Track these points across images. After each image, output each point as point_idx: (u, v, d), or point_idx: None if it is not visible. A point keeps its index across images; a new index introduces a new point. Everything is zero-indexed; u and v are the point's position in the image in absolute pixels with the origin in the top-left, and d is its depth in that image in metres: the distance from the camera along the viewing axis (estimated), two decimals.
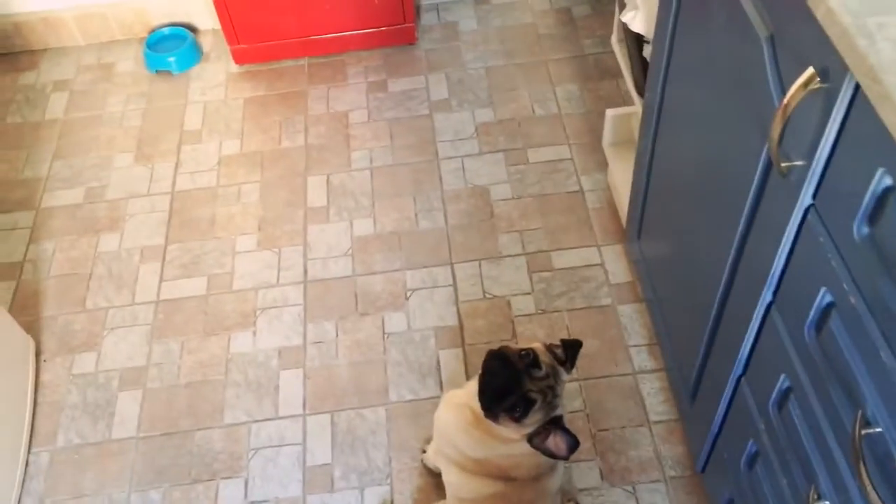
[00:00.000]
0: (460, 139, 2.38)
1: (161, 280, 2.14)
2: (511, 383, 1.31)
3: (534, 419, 1.32)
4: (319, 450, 1.81)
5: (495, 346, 1.91)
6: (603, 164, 2.24)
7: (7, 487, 1.74)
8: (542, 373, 1.33)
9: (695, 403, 1.51)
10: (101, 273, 2.17)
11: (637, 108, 1.83)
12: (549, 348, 1.41)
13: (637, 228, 1.78)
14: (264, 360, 1.97)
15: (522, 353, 1.35)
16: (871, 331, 0.83)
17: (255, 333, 2.02)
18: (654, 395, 1.82)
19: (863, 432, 0.85)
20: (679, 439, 1.75)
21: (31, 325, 2.05)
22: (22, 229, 2.28)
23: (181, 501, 1.75)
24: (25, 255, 2.22)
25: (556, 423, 1.32)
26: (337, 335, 1.99)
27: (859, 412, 0.86)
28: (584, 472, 1.73)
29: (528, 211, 2.18)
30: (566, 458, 1.33)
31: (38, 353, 2.01)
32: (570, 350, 1.40)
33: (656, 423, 1.78)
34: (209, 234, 2.23)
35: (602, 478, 1.72)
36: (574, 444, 1.30)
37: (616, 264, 2.05)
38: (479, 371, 1.38)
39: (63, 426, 1.88)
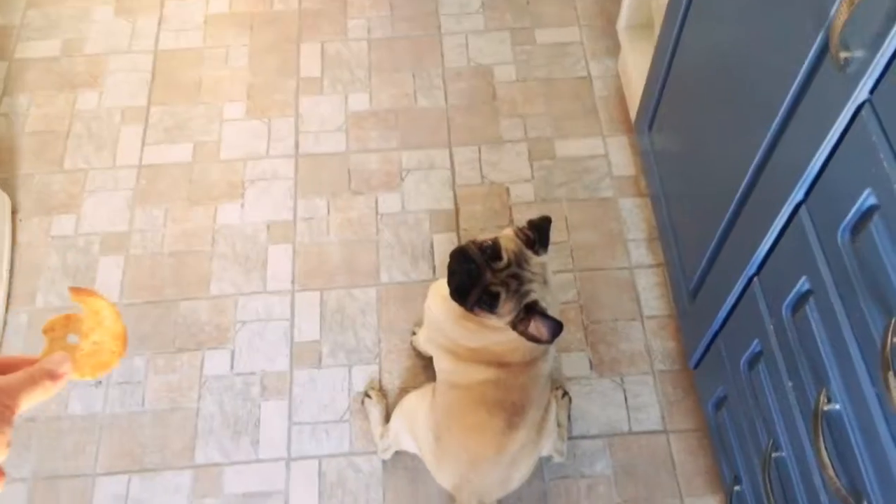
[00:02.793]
0: (465, 13, 2.24)
1: (144, 144, 2.04)
2: (472, 279, 1.28)
3: (506, 308, 1.29)
4: (307, 326, 1.79)
5: (490, 232, 1.88)
6: (614, 50, 2.14)
7: None
8: (503, 263, 1.29)
9: (696, 300, 1.50)
10: (79, 132, 2.05)
11: None
12: (519, 232, 1.36)
13: (649, 119, 1.71)
14: (252, 234, 1.91)
15: (484, 245, 1.31)
16: None
17: (243, 206, 1.95)
18: (650, 291, 1.80)
19: (894, 340, 0.82)
20: (671, 335, 1.75)
21: (6, 183, 1.96)
22: None
23: (165, 369, 1.73)
24: None
25: (533, 309, 1.29)
26: (328, 212, 1.93)
27: (893, 319, 0.83)
28: (574, 362, 1.73)
29: (532, 95, 2.09)
30: (550, 342, 1.30)
31: (13, 212, 1.93)
32: (538, 230, 1.35)
33: (649, 317, 1.77)
34: (195, 98, 2.11)
35: (591, 368, 1.72)
36: (556, 328, 1.27)
37: (620, 156, 1.99)
38: None
39: (42, 288, 1.83)
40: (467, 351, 1.41)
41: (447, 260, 1.33)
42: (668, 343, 1.74)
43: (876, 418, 0.90)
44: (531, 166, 1.98)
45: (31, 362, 0.59)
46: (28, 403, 0.56)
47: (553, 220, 1.83)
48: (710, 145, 1.40)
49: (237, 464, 1.64)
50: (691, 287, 1.51)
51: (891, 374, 0.81)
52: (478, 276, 1.28)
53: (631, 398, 1.69)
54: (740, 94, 1.23)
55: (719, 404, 1.44)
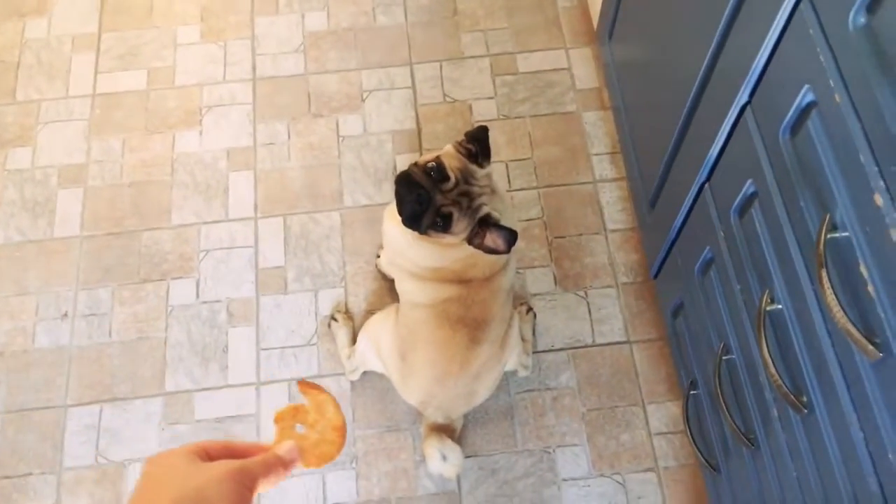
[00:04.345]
0: None
1: (97, 72, 1.98)
2: (421, 205, 1.26)
3: (460, 226, 1.29)
4: (272, 253, 1.78)
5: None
6: None
7: None
8: (451, 183, 1.27)
9: (654, 211, 1.49)
10: (29, 62, 1.99)
11: None
12: (460, 147, 1.34)
13: (610, 28, 1.67)
14: (212, 161, 1.88)
15: (428, 166, 1.28)
16: (854, 131, 0.78)
17: (201, 133, 1.91)
18: (613, 204, 1.80)
19: (828, 236, 0.82)
20: (634, 247, 1.75)
21: None
22: None
23: (131, 300, 1.73)
24: None
25: (486, 222, 1.29)
26: (289, 137, 1.90)
27: (827, 216, 0.83)
28: (539, 278, 1.73)
29: (494, 9, 2.04)
30: (507, 251, 1.30)
31: None
32: (477, 142, 1.32)
33: (613, 231, 1.77)
34: (146, 22, 2.05)
35: (556, 283, 1.73)
36: (511, 237, 1.27)
37: (583, 69, 1.95)
38: None
39: (1, 223, 1.81)
40: (427, 270, 1.41)
41: None
42: (631, 256, 1.75)
43: (814, 316, 0.91)
44: (493, 82, 1.94)
45: (263, 449, 0.65)
46: (263, 488, 0.62)
47: (516, 136, 1.82)
48: (664, 51, 1.37)
49: (207, 390, 1.66)
50: (650, 197, 1.50)
51: (824, 271, 0.81)
52: (428, 201, 1.27)
53: (595, 311, 1.70)
54: None
55: (676, 312, 1.46)
